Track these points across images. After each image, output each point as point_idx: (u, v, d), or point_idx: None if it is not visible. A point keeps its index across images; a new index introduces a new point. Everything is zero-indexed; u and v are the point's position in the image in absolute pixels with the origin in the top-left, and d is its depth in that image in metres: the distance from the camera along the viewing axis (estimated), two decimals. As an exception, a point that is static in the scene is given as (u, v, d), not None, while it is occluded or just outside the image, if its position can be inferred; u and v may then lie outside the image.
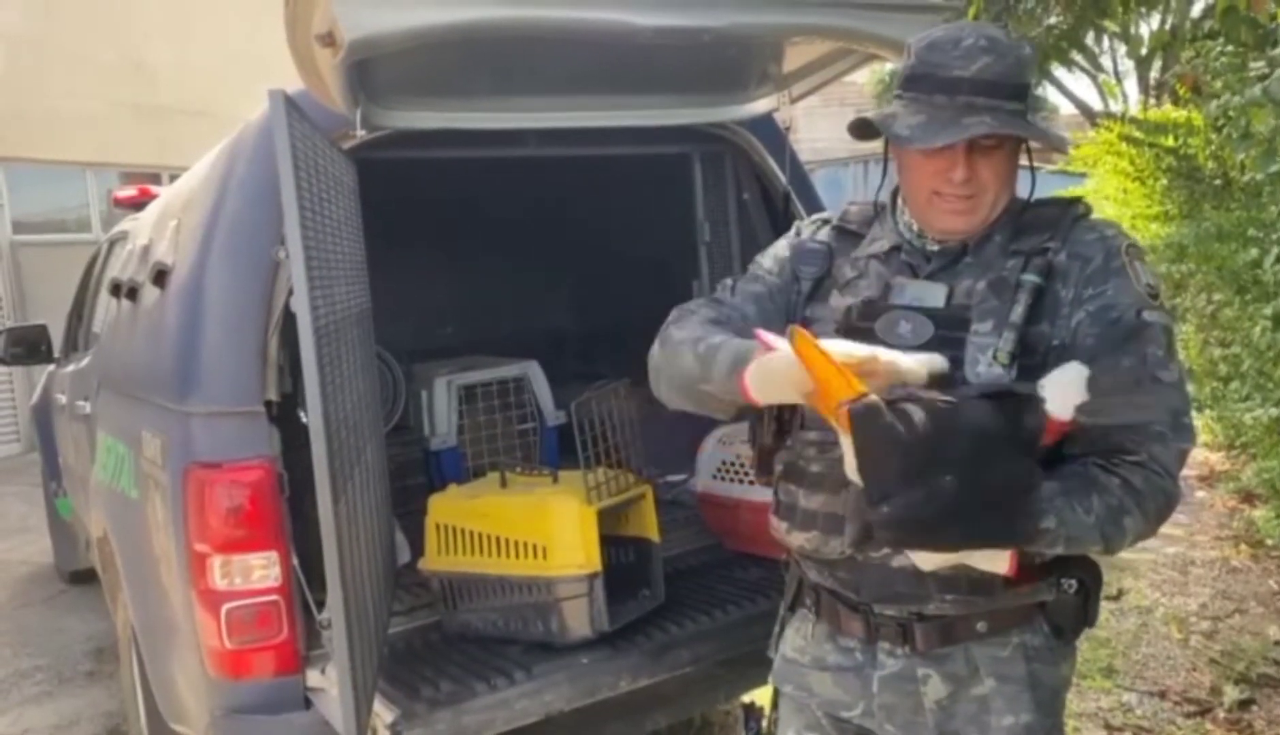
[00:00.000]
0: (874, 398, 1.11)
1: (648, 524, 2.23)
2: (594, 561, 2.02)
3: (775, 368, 1.23)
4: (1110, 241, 1.42)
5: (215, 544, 2.09)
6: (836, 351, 1.15)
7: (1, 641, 4.62)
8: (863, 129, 1.46)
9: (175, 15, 9.94)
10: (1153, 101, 10.79)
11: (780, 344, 1.22)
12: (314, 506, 1.65)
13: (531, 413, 3.46)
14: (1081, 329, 1.38)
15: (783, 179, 2.84)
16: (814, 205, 2.76)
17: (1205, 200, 5.84)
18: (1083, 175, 7.78)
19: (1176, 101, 7.12)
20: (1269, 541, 4.81)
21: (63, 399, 4.18)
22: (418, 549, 2.35)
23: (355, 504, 1.87)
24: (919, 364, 1.18)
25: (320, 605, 2.00)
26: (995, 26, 1.49)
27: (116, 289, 3.03)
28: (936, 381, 1.18)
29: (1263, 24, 3.30)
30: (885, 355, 1.17)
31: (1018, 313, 1.37)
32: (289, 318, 1.76)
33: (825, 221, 1.64)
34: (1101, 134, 6.55)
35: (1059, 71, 12.18)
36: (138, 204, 4.01)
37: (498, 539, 2.09)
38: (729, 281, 1.64)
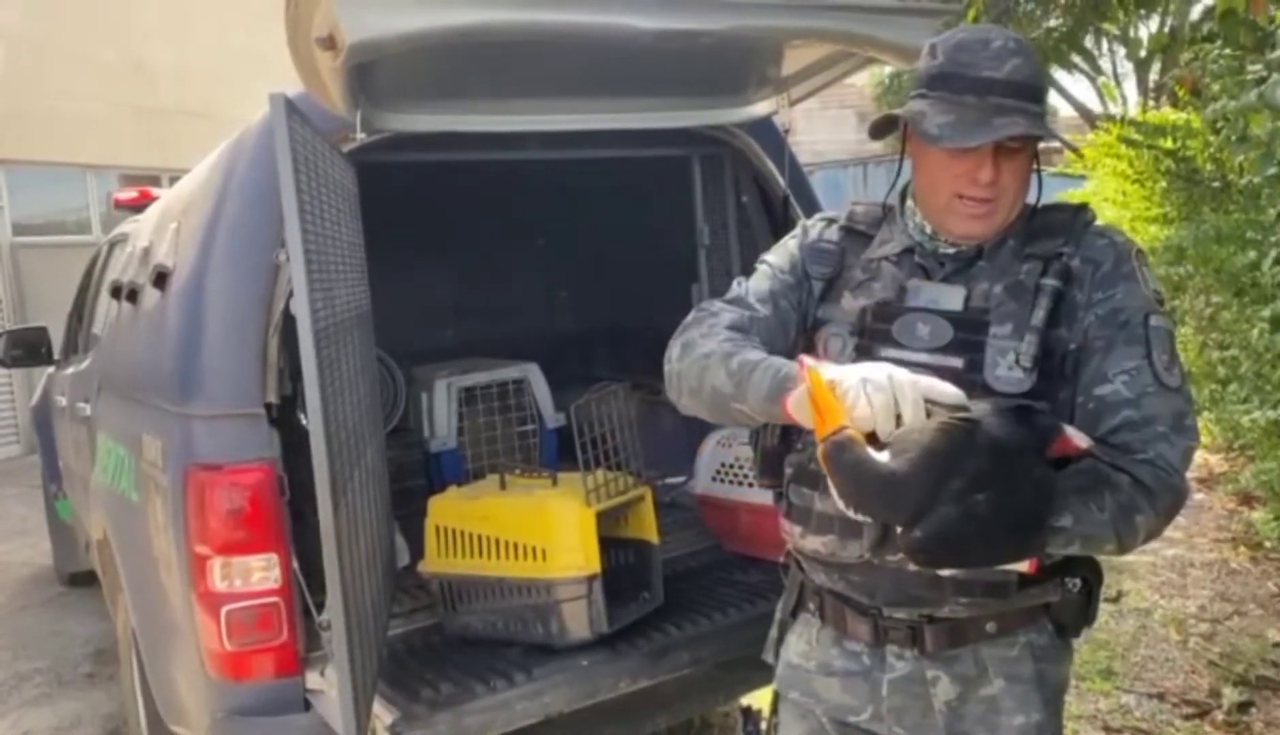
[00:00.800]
0: (846, 433, 1.11)
1: (647, 526, 2.23)
2: (593, 563, 2.03)
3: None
4: (1120, 247, 1.44)
5: (215, 546, 2.09)
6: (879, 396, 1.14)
7: (1, 644, 4.62)
8: (883, 128, 1.47)
9: (175, 16, 9.95)
10: (1152, 104, 10.80)
11: (823, 369, 1.22)
12: (314, 509, 1.65)
13: (531, 415, 3.46)
14: (1091, 331, 1.39)
15: (782, 182, 2.84)
16: (813, 209, 2.76)
17: (1204, 203, 5.84)
18: (1082, 178, 7.78)
19: (1175, 104, 7.13)
20: (1268, 543, 4.82)
21: (63, 401, 4.18)
22: (417, 551, 2.36)
23: (355, 506, 1.88)
24: (954, 393, 1.17)
25: (320, 607, 2.00)
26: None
27: (117, 291, 3.04)
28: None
29: (1261, 27, 3.31)
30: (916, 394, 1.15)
31: (1039, 317, 1.38)
32: (289, 320, 1.77)
33: (831, 220, 1.63)
34: (1100, 136, 6.55)
35: (1058, 74, 12.18)
36: (138, 206, 4.02)
37: (497, 541, 2.09)
38: (743, 280, 1.62)
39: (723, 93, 2.65)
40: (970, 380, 1.35)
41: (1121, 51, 13.55)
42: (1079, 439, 1.18)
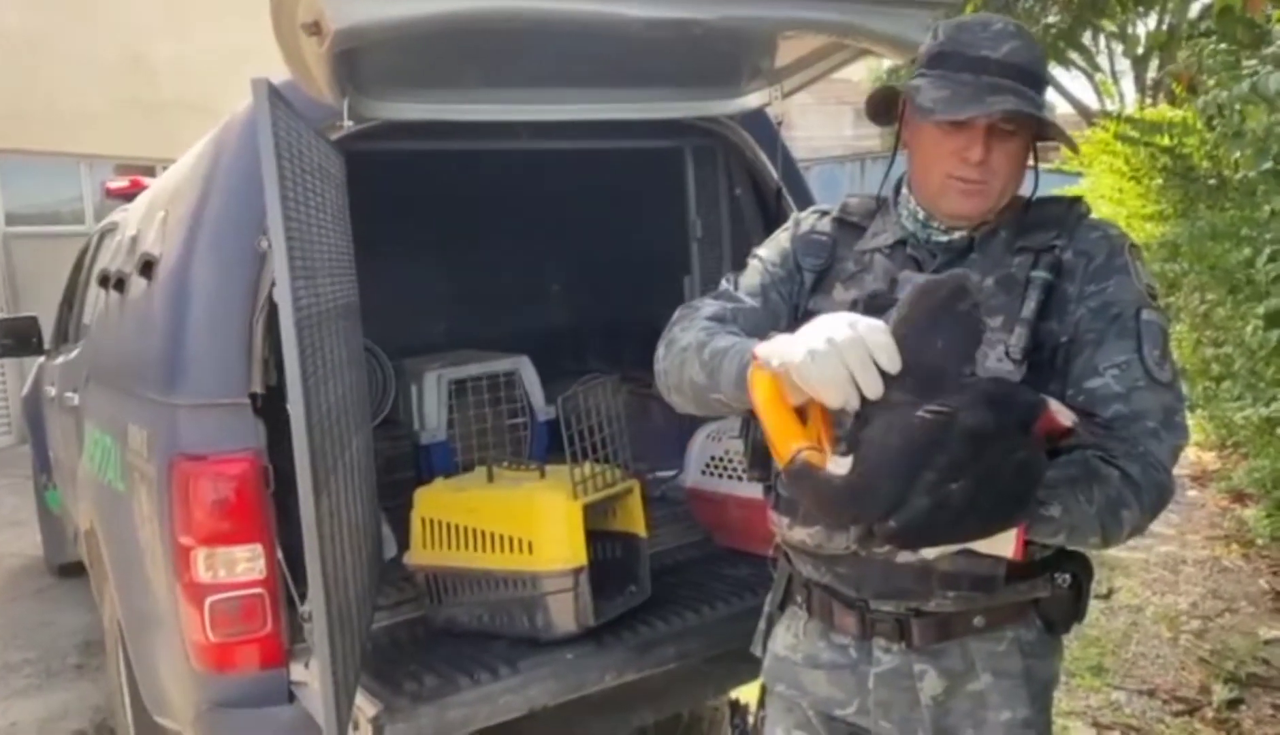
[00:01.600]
0: (800, 460, 1.09)
1: (635, 519, 2.22)
2: (580, 556, 2.01)
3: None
4: (1114, 240, 1.44)
5: (200, 536, 2.08)
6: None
7: (-10, 634, 4.61)
8: (880, 106, 1.48)
9: (174, 9, 9.91)
10: (1149, 101, 10.80)
11: (772, 356, 1.19)
12: (299, 500, 1.64)
13: (522, 407, 3.44)
14: (1083, 324, 1.39)
15: (775, 175, 2.83)
16: (806, 202, 2.75)
17: (1200, 199, 5.84)
18: (1078, 174, 7.79)
19: (1173, 101, 7.13)
20: (1260, 541, 4.82)
21: (52, 391, 4.16)
22: (404, 543, 2.34)
23: (339, 498, 1.86)
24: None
25: (305, 598, 1.98)
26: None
27: (105, 280, 3.02)
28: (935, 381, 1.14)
29: (1258, 24, 3.30)
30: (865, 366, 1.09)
31: (1029, 309, 1.38)
32: (274, 309, 1.75)
33: (824, 213, 1.63)
34: (1097, 133, 6.55)
35: (1056, 71, 12.18)
36: (129, 195, 3.99)
37: (483, 533, 2.08)
38: (731, 276, 1.63)
39: (715, 84, 2.64)
40: None
41: (1119, 48, 13.56)
42: (1063, 416, 1.15)
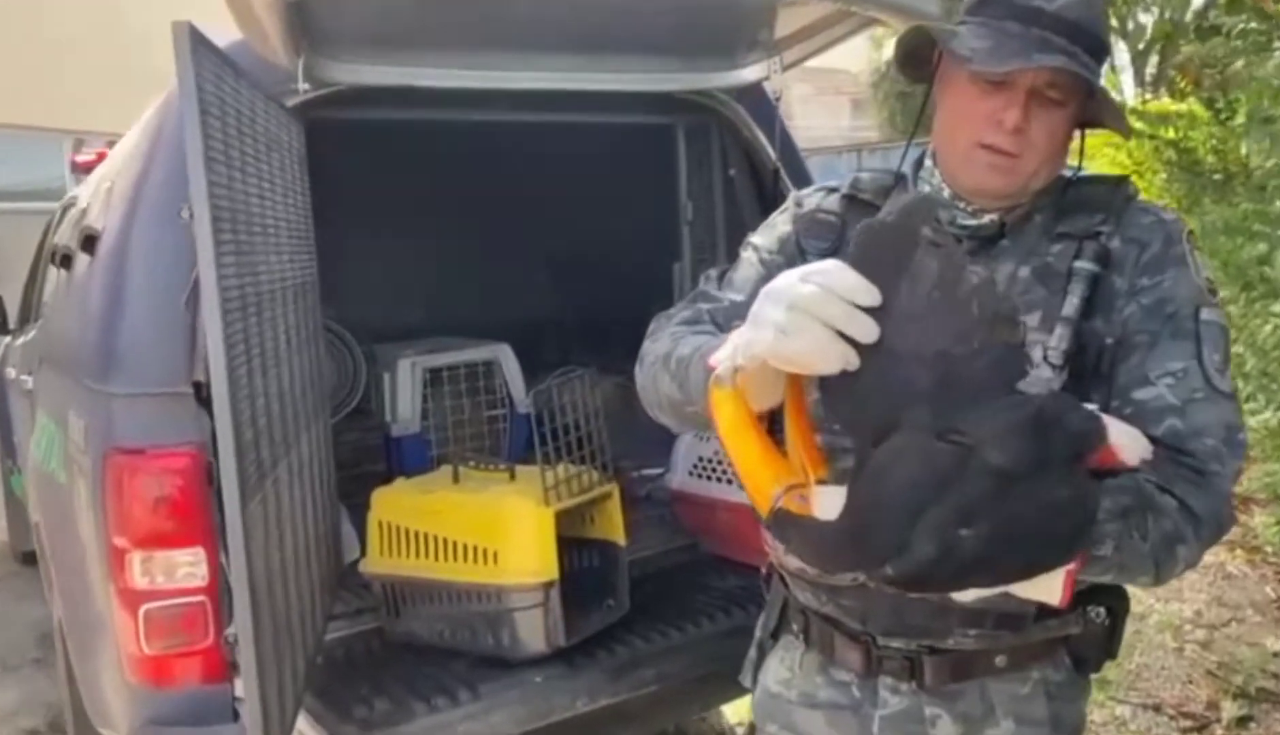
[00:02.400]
0: (779, 508, 0.91)
1: (613, 526, 2.03)
2: (550, 569, 1.83)
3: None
4: (1170, 226, 1.24)
5: (135, 538, 1.89)
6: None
7: (-52, 626, 4.42)
8: (910, 55, 1.29)
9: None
10: (1149, 96, 10.65)
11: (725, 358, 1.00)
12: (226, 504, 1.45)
13: (502, 399, 3.27)
14: (1132, 323, 1.19)
15: (773, 155, 2.64)
16: (804, 183, 2.56)
17: (1205, 194, 5.69)
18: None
19: (1174, 94, 6.99)
20: (1268, 548, 4.67)
21: (13, 373, 3.98)
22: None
23: (281, 499, 1.67)
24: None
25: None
26: None
27: (54, 256, 2.83)
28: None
29: (1271, 15, 3.15)
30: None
31: (1072, 305, 1.19)
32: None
33: (832, 189, 1.43)
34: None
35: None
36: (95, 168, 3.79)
37: (445, 541, 1.89)
38: (713, 273, 1.44)
39: (710, 55, 2.44)
40: None
41: (1120, 43, 13.38)
42: (1127, 453, 0.96)
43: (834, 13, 2.12)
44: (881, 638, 1.27)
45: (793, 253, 1.38)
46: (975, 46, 1.16)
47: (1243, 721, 3.27)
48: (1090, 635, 1.27)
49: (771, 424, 1.24)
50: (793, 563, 1.32)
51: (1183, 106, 5.90)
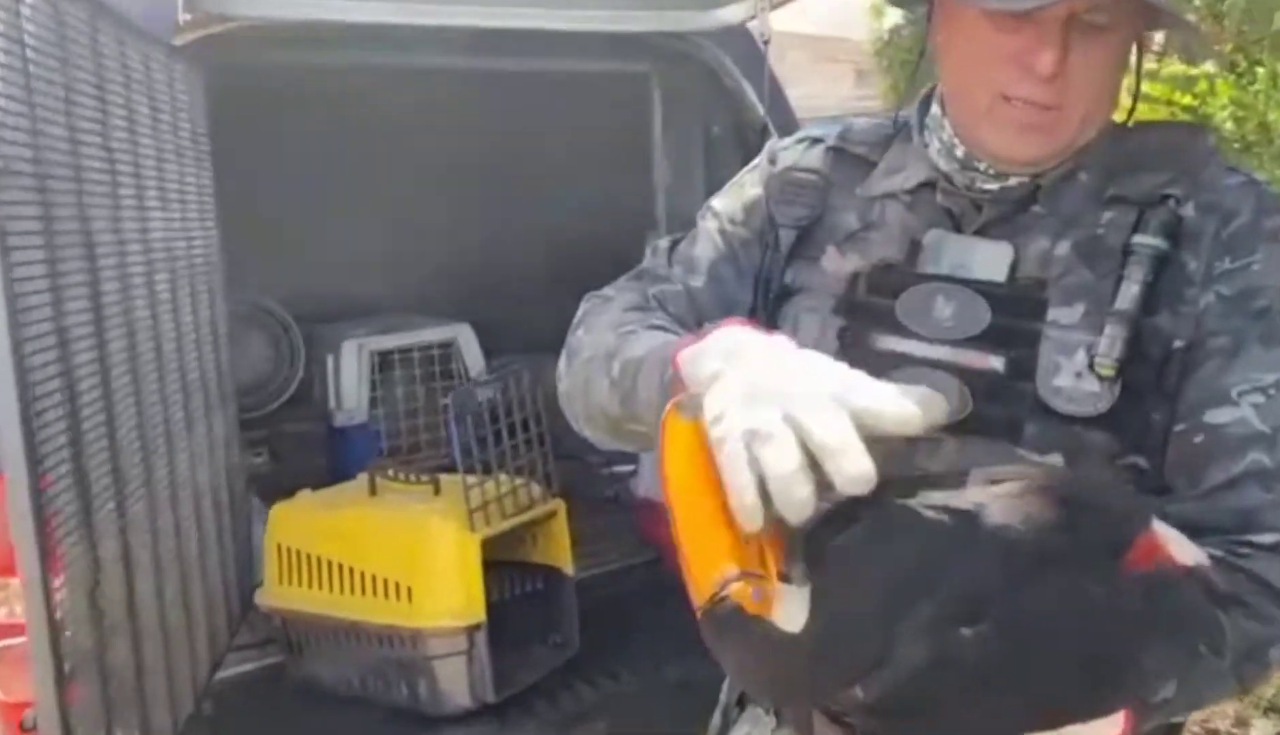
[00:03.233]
0: (726, 604, 0.66)
1: (559, 550, 1.69)
2: (475, 610, 1.49)
3: None
4: (1263, 194, 0.89)
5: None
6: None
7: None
8: None
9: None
10: (1156, 62, 10.31)
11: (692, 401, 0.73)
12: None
13: (460, 384, 2.93)
14: (1209, 320, 0.85)
15: (760, 108, 2.30)
16: (795, 138, 2.22)
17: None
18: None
19: (1189, 60, 6.68)
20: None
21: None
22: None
23: (133, 529, 1.34)
24: (905, 410, 0.68)
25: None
26: None
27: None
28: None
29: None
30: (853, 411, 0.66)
31: (1130, 295, 0.85)
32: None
33: (815, 140, 1.08)
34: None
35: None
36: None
37: (353, 571, 1.55)
38: (662, 243, 1.11)
39: (688, -10, 2.11)
40: (1014, 391, 0.86)
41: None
42: (1178, 549, 0.68)
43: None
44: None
45: (762, 224, 1.05)
46: None
47: (1277, 741, 3.00)
48: None
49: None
50: None
51: (1200, 70, 5.55)
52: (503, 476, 1.58)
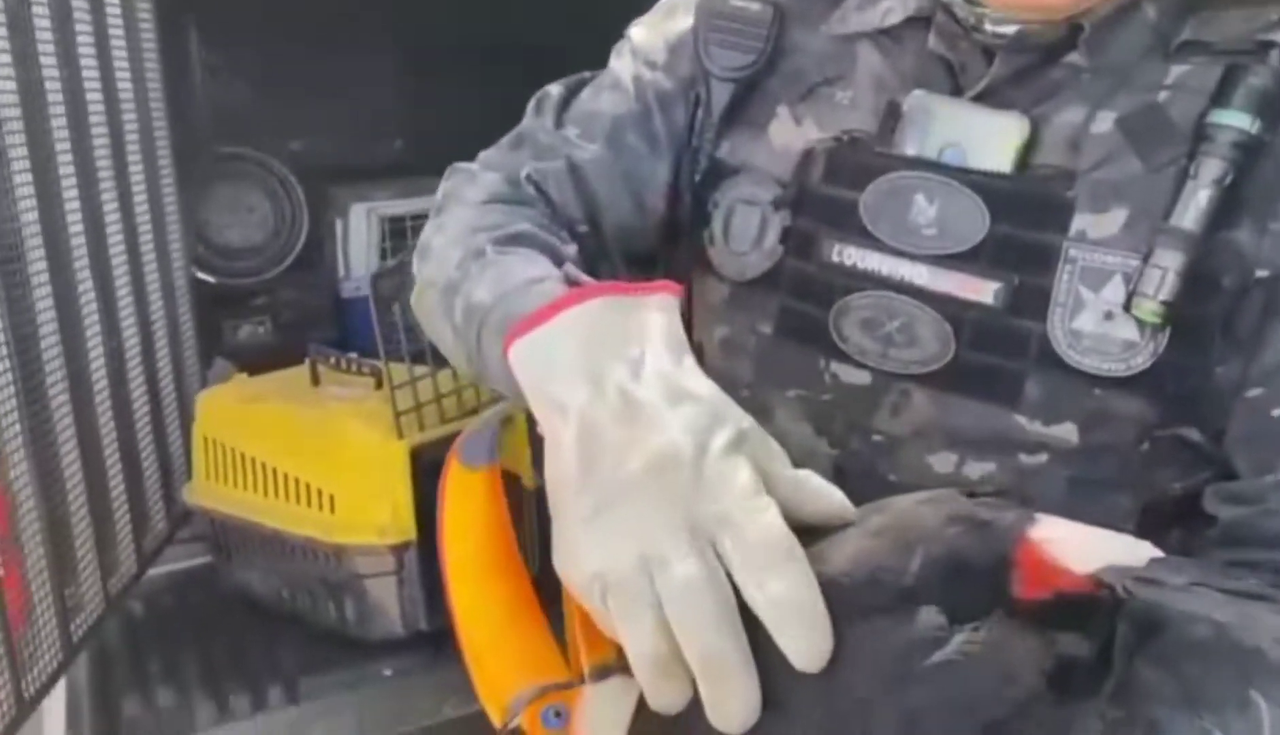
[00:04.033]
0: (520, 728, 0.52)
1: (517, 457, 1.47)
2: (404, 527, 1.28)
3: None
4: None
5: None
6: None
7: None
8: None
9: None
10: None
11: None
12: None
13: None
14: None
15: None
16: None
17: None
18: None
19: None
20: None
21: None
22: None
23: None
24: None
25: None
26: None
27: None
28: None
29: None
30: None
31: (1198, 202, 0.57)
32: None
33: None
34: None
35: None
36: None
37: (276, 473, 1.36)
38: (554, 91, 0.85)
39: None
40: (1014, 334, 0.61)
41: None
42: (1075, 556, 0.44)
43: None
44: None
45: (692, 71, 0.77)
46: None
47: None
48: None
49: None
50: None
51: None
52: (448, 372, 1.34)
